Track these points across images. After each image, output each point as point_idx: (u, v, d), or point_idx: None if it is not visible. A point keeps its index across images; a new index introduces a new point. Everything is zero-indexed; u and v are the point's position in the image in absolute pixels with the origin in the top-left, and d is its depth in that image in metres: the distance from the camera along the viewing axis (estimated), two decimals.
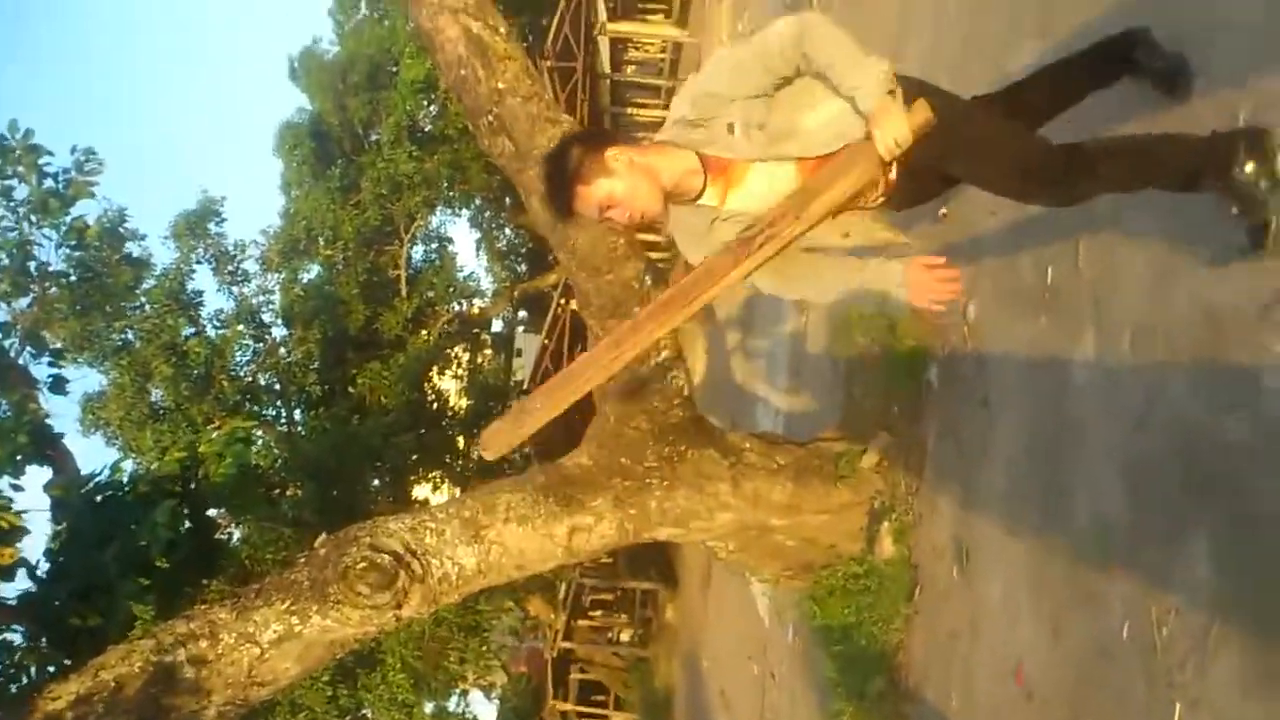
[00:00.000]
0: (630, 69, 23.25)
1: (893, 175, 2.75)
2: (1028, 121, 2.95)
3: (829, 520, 5.77)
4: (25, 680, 5.59)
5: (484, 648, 16.41)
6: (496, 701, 29.42)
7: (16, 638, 5.86)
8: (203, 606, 4.80)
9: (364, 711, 15.89)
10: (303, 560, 4.97)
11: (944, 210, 5.19)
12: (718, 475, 5.51)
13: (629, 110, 23.00)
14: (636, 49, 22.98)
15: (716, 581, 12.06)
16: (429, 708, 20.52)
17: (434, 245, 25.36)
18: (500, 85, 5.27)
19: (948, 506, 4.92)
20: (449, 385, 23.33)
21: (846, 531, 5.78)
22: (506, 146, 5.49)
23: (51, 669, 5.56)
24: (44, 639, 5.85)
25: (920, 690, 4.83)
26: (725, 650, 11.09)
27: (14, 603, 5.96)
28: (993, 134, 2.80)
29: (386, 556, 4.79)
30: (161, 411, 17.67)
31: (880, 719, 5.08)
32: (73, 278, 16.54)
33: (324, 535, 5.07)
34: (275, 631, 4.68)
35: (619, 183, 2.66)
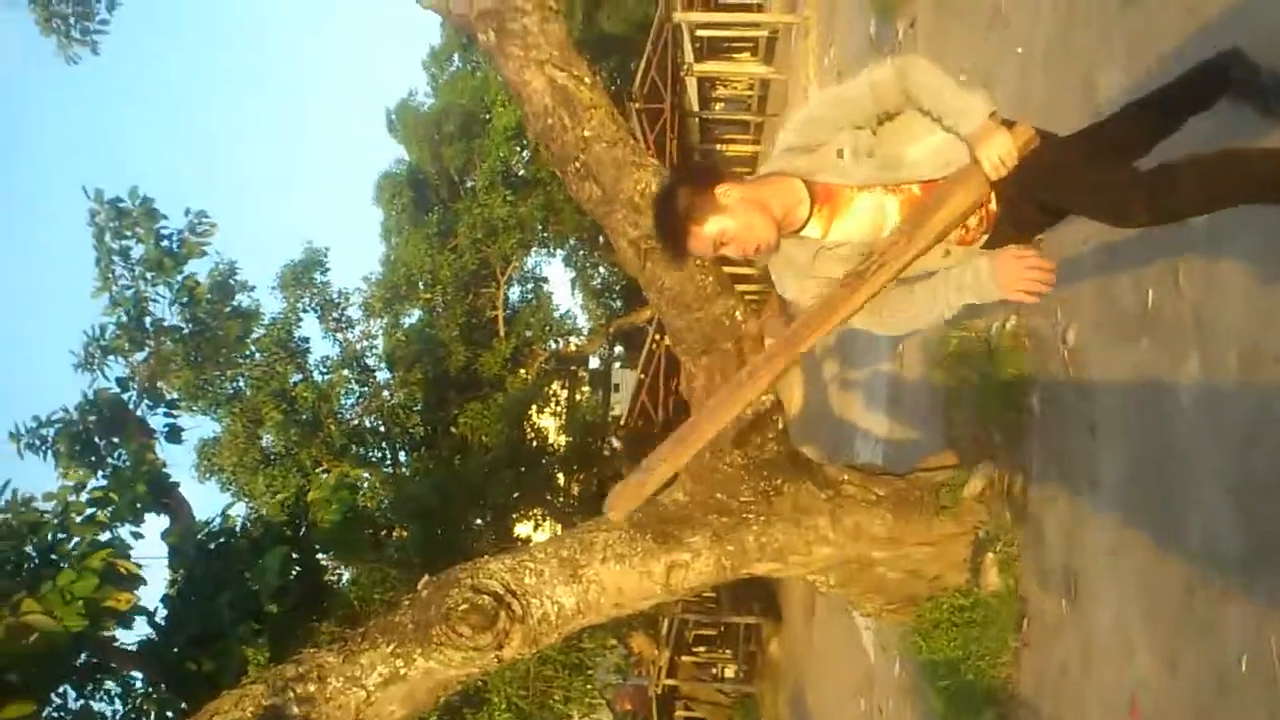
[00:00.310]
0: (718, 106, 23.34)
1: (994, 205, 2.74)
2: (1126, 154, 2.89)
3: (932, 552, 5.66)
4: None
5: (588, 686, 16.39)
6: None
7: (137, 683, 6.07)
8: (311, 650, 4.91)
9: None
10: (406, 603, 5.06)
11: (1040, 237, 5.09)
12: (815, 509, 5.46)
13: (718, 146, 23.06)
14: (724, 86, 23.06)
15: (820, 615, 11.90)
16: None
17: (530, 286, 25.78)
18: (586, 133, 5.34)
19: (1054, 536, 4.79)
20: (548, 423, 23.56)
21: (950, 563, 5.66)
22: (594, 191, 5.55)
23: (170, 714, 5.73)
24: (163, 684, 6.04)
25: None
26: (831, 686, 10.91)
27: (134, 649, 6.16)
28: (1082, 161, 2.79)
29: (487, 597, 4.86)
30: (272, 456, 18.21)
31: None
32: (186, 331, 17.23)
33: (427, 577, 5.16)
34: (380, 674, 4.76)
35: (732, 219, 2.69)
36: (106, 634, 5.42)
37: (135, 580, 5.44)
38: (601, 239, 25.31)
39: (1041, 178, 2.69)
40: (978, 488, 5.64)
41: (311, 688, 4.63)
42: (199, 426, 18.84)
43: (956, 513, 5.64)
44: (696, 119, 21.59)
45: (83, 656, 5.41)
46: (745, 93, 22.86)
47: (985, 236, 2.83)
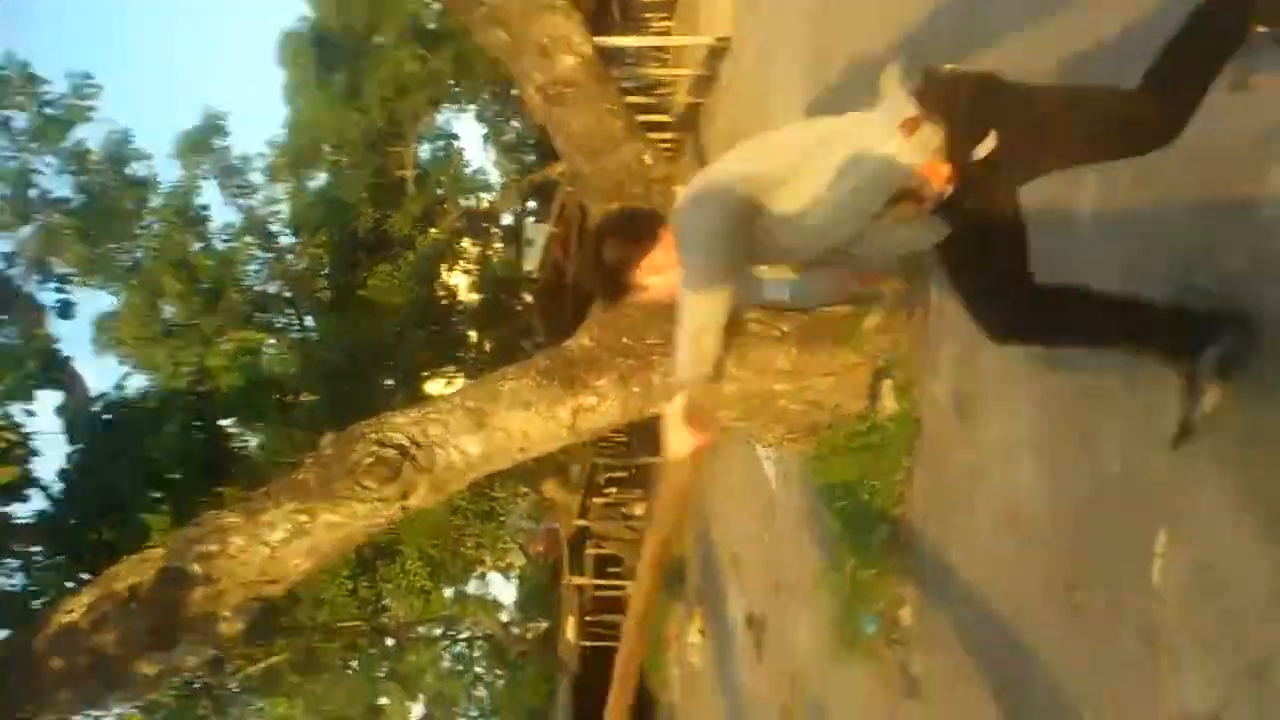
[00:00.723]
0: None
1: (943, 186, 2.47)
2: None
3: (833, 382, 5.75)
4: (49, 598, 5.70)
5: (500, 532, 16.70)
6: (516, 581, 30.11)
7: (38, 557, 5.97)
8: (213, 513, 4.85)
9: (384, 602, 16.28)
10: (310, 460, 5.00)
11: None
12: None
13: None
14: None
15: (725, 451, 12.15)
16: (448, 592, 21.03)
17: (441, 144, 25.03)
18: None
19: (951, 360, 4.88)
20: (459, 280, 23.26)
21: (850, 392, 5.76)
22: (501, 38, 5.40)
23: (71, 585, 5.66)
24: (63, 557, 5.95)
25: (921, 539, 4.87)
26: (735, 517, 11.22)
27: (32, 523, 6.04)
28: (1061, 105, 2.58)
29: (392, 450, 4.82)
30: (174, 328, 17.72)
31: (883, 570, 5.13)
32: (76, 202, 16.57)
33: (330, 435, 5.09)
34: (284, 531, 4.73)
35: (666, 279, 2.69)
36: None
37: (19, 451, 5.28)
38: (514, 92, 24.60)
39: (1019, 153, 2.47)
40: (879, 318, 5.70)
41: (213, 548, 4.59)
42: (96, 300, 18.37)
43: (858, 343, 5.70)
44: None
45: None
46: None
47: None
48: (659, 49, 18.47)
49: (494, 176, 28.51)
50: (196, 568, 4.49)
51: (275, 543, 4.67)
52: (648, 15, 19.37)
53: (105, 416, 6.42)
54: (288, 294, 19.72)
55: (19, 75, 12.94)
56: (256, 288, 19.33)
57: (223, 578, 4.54)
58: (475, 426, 5.06)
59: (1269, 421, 2.52)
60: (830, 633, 5.99)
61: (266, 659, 14.69)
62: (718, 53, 13.46)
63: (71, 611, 4.40)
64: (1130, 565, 2.98)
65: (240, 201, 21.37)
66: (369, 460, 4.79)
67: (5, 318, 8.00)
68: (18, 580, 5.63)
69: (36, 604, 5.53)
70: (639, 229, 2.72)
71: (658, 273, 2.67)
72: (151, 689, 5.53)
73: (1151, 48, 2.55)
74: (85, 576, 5.34)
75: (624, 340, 5.43)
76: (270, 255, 20.73)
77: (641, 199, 5.54)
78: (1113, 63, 3.30)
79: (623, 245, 2.67)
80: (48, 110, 14.39)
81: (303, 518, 4.73)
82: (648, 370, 5.38)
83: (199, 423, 6.57)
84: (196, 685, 13.69)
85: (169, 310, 18.11)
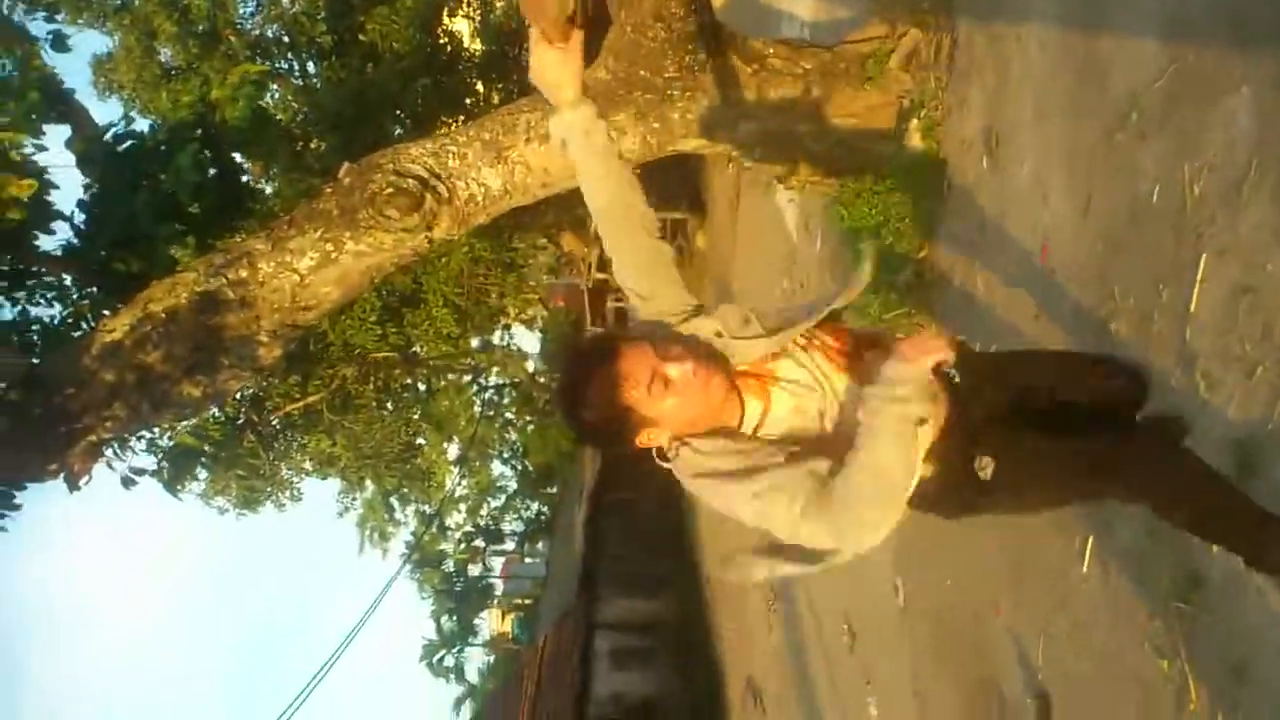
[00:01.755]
0: None
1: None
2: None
3: (857, 123, 5.65)
4: (84, 327, 5.82)
5: (521, 283, 16.86)
6: (539, 333, 30.88)
7: (70, 286, 6.06)
8: (238, 239, 4.90)
9: (413, 349, 16.63)
10: (329, 190, 5.01)
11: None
12: (740, 82, 5.36)
13: None
14: None
15: (745, 202, 12.12)
16: (475, 342, 21.50)
17: None
18: None
19: (978, 97, 4.79)
20: (462, 27, 22.45)
21: (875, 133, 5.68)
22: None
23: (106, 314, 5.78)
24: (94, 287, 6.04)
25: (949, 277, 4.92)
26: (755, 270, 11.32)
27: (59, 254, 6.10)
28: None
29: (411, 180, 4.82)
30: (173, 71, 17.28)
31: (909, 308, 5.21)
32: None
33: (347, 164, 5.07)
34: (311, 259, 4.80)
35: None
36: (14, 226, 5.28)
37: (36, 170, 5.27)
38: None
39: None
40: (903, 56, 5.55)
41: (243, 273, 4.67)
42: (87, 40, 17.80)
43: (882, 82, 5.57)
44: None
45: (8, 260, 5.35)
46: None
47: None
48: None
49: None
50: (229, 293, 4.58)
51: (304, 270, 4.75)
52: None
53: (117, 149, 6.35)
54: (286, 38, 19.08)
55: None
56: (254, 31, 18.69)
57: (256, 302, 4.63)
58: (495, 160, 5.04)
59: None
60: None
61: (304, 398, 15.20)
62: None
63: (114, 330, 4.52)
64: (1167, 292, 3.03)
65: None
66: (389, 190, 4.80)
67: None
68: (55, 310, 5.74)
69: (75, 335, 5.65)
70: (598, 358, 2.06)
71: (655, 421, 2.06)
72: (199, 409, 5.75)
73: None
74: (120, 308, 5.45)
75: (641, 72, 5.31)
76: None
77: None
78: None
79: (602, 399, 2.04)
80: None
81: (329, 246, 4.79)
82: (667, 105, 5.30)
83: (210, 155, 6.48)
84: (240, 421, 14.26)
85: (166, 54, 17.62)
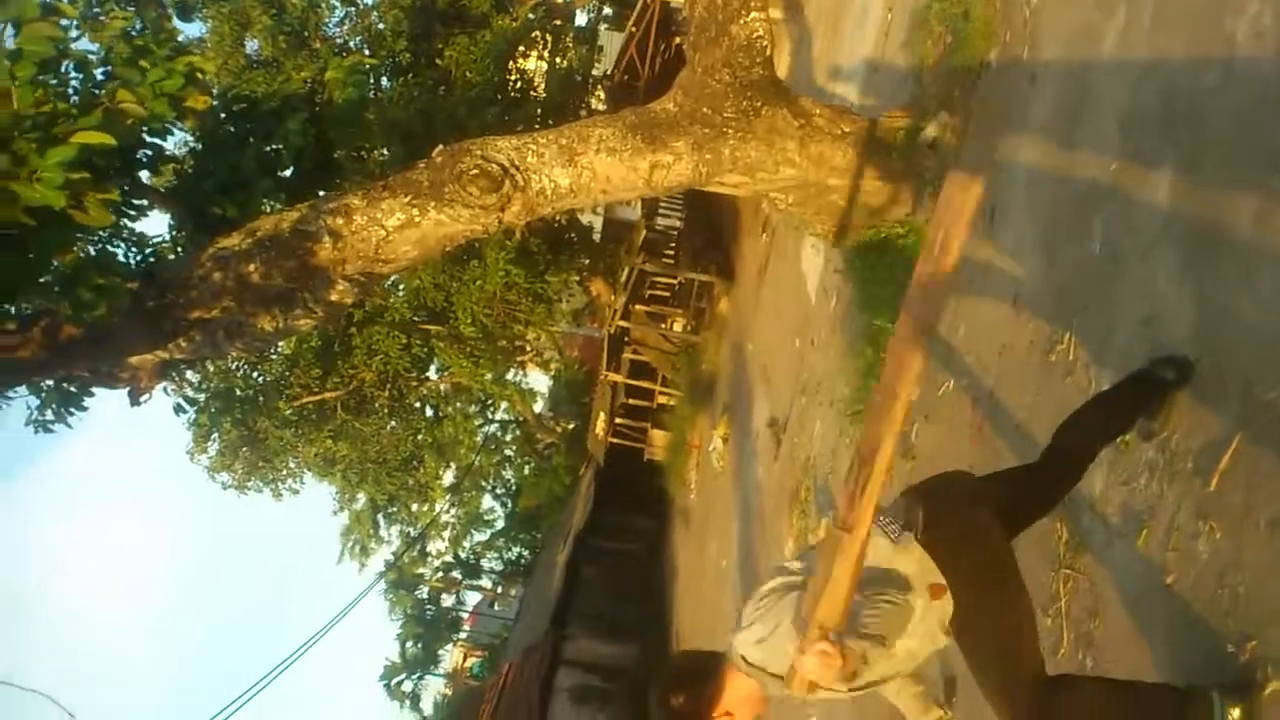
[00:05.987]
0: None
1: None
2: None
3: (882, 186, 6.44)
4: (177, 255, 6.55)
5: (549, 316, 17.63)
6: (551, 379, 31.67)
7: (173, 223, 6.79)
8: (339, 192, 5.67)
9: (432, 365, 17.39)
10: (422, 165, 5.79)
11: None
12: (787, 133, 6.14)
13: None
14: None
15: (772, 270, 12.87)
16: (488, 376, 22.22)
17: None
18: None
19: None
20: (533, 66, 23.52)
21: (895, 198, 6.46)
22: None
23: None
24: (190, 225, 6.78)
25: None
26: (771, 333, 12.03)
27: (165, 191, 6.86)
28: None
29: (496, 166, 5.60)
30: (258, 64, 18.29)
31: None
32: None
33: (440, 145, 5.86)
34: (399, 219, 5.57)
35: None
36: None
37: (208, 89, 5.94)
38: None
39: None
40: (932, 135, 6.33)
41: (340, 221, 5.43)
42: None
43: (910, 155, 6.36)
44: None
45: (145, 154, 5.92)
46: None
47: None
48: None
49: None
50: (325, 235, 5.34)
51: (391, 227, 5.51)
52: None
53: (233, 107, 7.12)
54: (367, 51, 20.13)
55: None
56: (339, 40, 19.76)
57: (345, 247, 5.39)
58: (567, 162, 5.80)
59: None
60: (846, 409, 6.83)
61: (323, 392, 16.00)
62: None
63: (227, 244, 5.27)
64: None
65: None
66: (474, 171, 5.57)
67: (133, 9, 8.59)
68: (163, 233, 6.42)
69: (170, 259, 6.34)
70: (703, 672, 2.68)
71: (732, 711, 2.63)
72: (265, 345, 6.46)
73: None
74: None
75: (704, 110, 6.10)
76: (354, 8, 21.04)
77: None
78: None
79: (689, 692, 2.63)
80: None
81: (415, 211, 5.55)
82: (720, 141, 6.07)
83: (314, 129, 7.21)
84: (262, 400, 15.01)
85: (253, 45, 18.65)
